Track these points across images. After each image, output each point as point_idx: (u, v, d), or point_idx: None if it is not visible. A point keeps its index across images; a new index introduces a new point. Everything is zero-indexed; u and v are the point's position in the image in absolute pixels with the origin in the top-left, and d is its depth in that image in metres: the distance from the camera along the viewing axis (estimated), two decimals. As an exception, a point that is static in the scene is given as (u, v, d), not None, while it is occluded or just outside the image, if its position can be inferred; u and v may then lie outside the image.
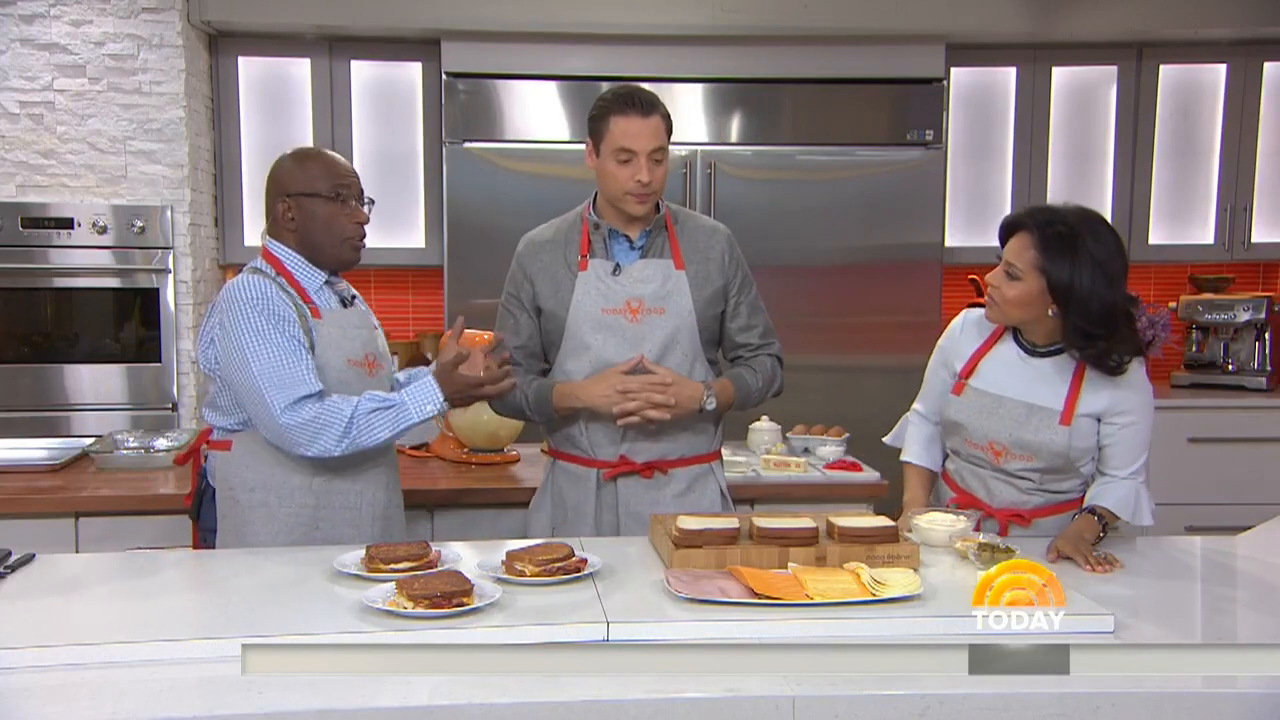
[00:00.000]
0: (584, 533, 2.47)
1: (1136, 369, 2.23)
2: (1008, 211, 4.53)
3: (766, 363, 2.55)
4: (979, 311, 2.38)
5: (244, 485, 2.31)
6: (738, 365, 2.57)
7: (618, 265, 2.47)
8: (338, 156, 2.41)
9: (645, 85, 2.81)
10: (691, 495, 2.51)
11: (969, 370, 2.34)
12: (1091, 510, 2.21)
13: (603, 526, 2.49)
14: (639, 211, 2.44)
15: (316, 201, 2.32)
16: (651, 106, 2.40)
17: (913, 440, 2.50)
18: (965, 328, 2.41)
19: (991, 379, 2.31)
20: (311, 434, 2.19)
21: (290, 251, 2.34)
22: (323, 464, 2.29)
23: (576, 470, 2.52)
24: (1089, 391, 2.23)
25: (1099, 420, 2.24)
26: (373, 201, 2.41)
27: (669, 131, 2.43)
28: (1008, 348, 2.33)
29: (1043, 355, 2.28)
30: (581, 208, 2.55)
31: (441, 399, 2.26)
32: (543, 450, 2.67)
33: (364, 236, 2.39)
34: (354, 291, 2.47)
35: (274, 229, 2.37)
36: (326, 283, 2.38)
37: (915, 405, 2.53)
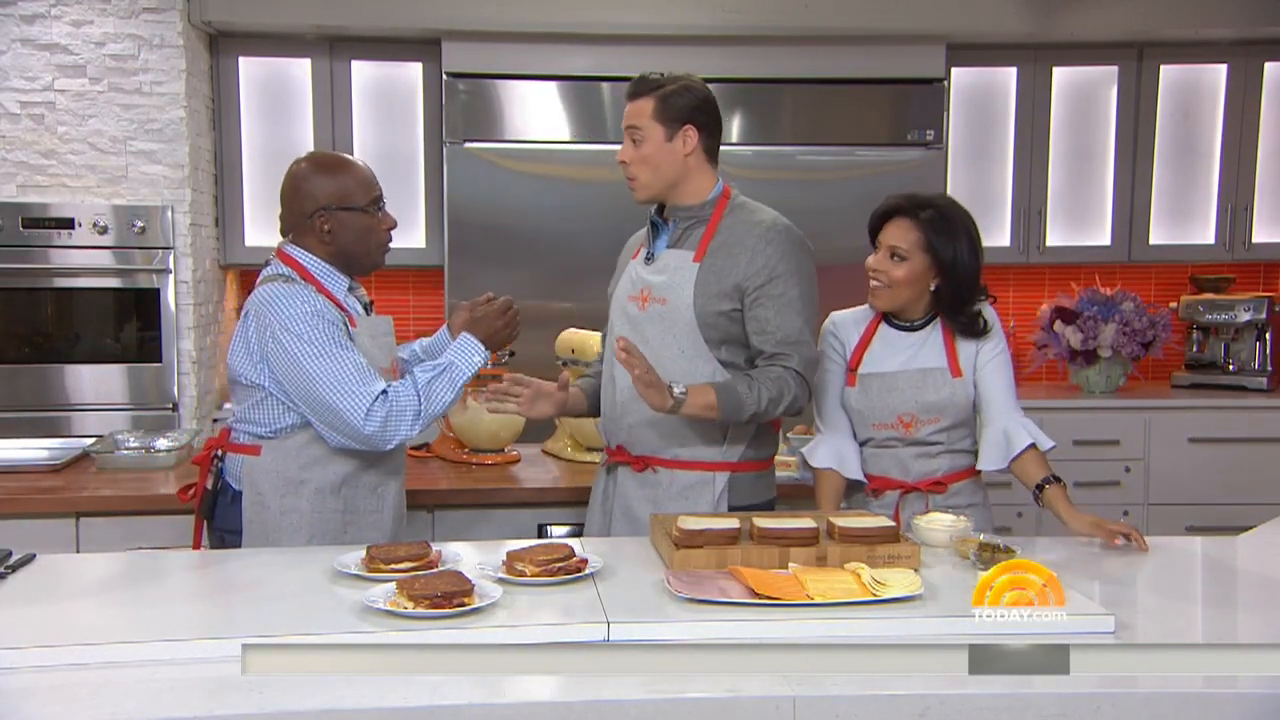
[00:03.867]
0: (595, 518, 2.54)
1: (988, 310, 2.48)
2: (1008, 212, 4.60)
3: (773, 373, 2.33)
4: (843, 312, 2.55)
5: (275, 491, 2.32)
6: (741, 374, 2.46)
7: (651, 254, 2.49)
8: (362, 163, 2.42)
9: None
10: (683, 503, 2.40)
11: (855, 362, 2.47)
12: (1045, 482, 2.36)
13: (606, 514, 2.52)
14: (636, 198, 2.47)
15: (354, 215, 2.34)
16: (639, 87, 2.42)
17: (820, 449, 2.51)
18: (841, 326, 2.54)
19: (878, 361, 2.46)
20: (393, 429, 2.25)
21: (316, 259, 2.35)
22: (351, 461, 2.33)
23: (603, 458, 2.58)
24: (961, 343, 2.44)
25: (975, 362, 2.43)
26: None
27: (667, 113, 2.37)
28: (885, 331, 2.48)
29: (918, 329, 2.47)
30: None
31: (482, 347, 2.36)
32: None
33: (392, 239, 2.45)
34: (369, 298, 2.50)
35: (302, 239, 2.36)
36: (349, 289, 2.41)
37: (818, 426, 2.56)
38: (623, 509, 2.48)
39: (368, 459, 2.35)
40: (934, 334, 2.45)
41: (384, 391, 2.24)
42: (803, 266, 2.41)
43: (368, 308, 2.46)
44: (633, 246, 2.59)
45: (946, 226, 2.38)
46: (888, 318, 2.49)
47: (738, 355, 2.41)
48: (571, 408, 2.58)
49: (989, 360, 2.44)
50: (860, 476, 2.49)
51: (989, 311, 2.47)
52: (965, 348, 2.44)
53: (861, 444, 2.50)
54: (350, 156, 2.46)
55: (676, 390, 2.26)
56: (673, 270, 2.42)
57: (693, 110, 2.40)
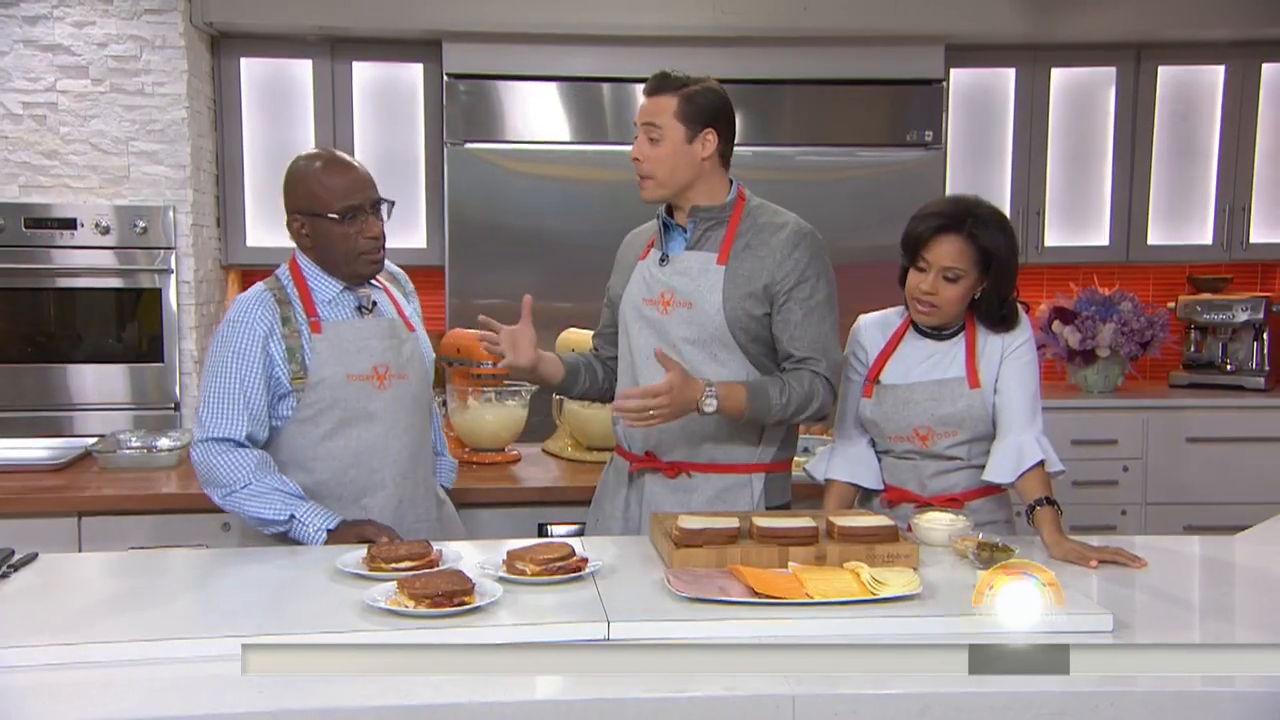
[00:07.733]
0: (614, 526, 2.45)
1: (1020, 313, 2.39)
2: (1007, 212, 4.57)
3: (804, 378, 2.31)
4: (871, 316, 2.46)
5: None
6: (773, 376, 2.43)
7: (665, 256, 2.41)
8: (351, 165, 2.32)
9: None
10: (720, 506, 2.36)
11: (876, 372, 2.40)
12: (1037, 504, 2.24)
13: (629, 523, 2.43)
14: (643, 197, 2.39)
15: (324, 222, 2.27)
16: (662, 83, 2.37)
17: (835, 459, 2.48)
18: (866, 333, 2.45)
19: (898, 373, 2.38)
20: (204, 475, 2.27)
21: (308, 260, 2.35)
22: (314, 473, 2.31)
23: (619, 462, 2.51)
24: (983, 353, 2.35)
25: (998, 371, 2.33)
26: (392, 204, 2.35)
27: (689, 114, 2.35)
28: (911, 339, 2.40)
29: (946, 338, 2.38)
30: None
31: (324, 539, 2.22)
32: None
33: (380, 248, 2.33)
34: (375, 299, 2.40)
35: (294, 240, 2.37)
36: (346, 289, 2.35)
37: (835, 435, 2.50)
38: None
39: (335, 470, 2.32)
40: (958, 343, 2.37)
41: (232, 441, 2.23)
42: (827, 270, 2.38)
43: (362, 309, 2.36)
44: (636, 245, 2.51)
45: (992, 227, 2.27)
46: (917, 325, 2.39)
47: (768, 356, 2.39)
48: (544, 369, 2.43)
49: (1011, 370, 2.32)
50: (878, 485, 2.43)
51: (1022, 316, 2.38)
52: (988, 357, 2.34)
53: (880, 454, 2.44)
54: (344, 157, 2.36)
55: (705, 404, 2.23)
56: (696, 273, 2.36)
57: (715, 114, 2.38)
